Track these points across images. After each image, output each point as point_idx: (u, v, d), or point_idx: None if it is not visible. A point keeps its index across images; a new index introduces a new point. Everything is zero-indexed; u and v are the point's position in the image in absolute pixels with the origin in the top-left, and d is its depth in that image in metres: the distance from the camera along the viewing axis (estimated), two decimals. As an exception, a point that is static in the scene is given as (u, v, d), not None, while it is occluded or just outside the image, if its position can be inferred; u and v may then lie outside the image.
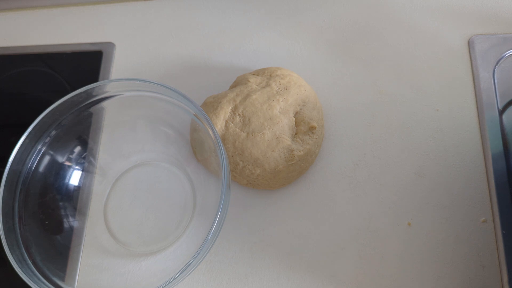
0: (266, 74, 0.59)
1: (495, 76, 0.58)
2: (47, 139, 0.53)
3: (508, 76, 0.59)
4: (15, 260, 0.45)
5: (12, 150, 0.67)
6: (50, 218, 0.53)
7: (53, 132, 0.53)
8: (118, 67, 0.67)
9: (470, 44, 0.61)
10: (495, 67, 0.59)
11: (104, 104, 0.55)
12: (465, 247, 0.51)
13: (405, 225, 0.53)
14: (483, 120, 0.56)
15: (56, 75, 0.69)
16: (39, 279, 0.46)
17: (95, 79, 0.66)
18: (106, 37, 0.70)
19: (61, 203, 0.55)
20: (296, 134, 0.56)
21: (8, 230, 0.47)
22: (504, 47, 0.60)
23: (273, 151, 0.54)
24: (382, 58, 0.62)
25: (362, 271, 0.52)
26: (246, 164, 0.54)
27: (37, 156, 0.52)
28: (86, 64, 0.68)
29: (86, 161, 0.58)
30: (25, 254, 0.47)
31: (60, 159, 0.55)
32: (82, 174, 0.58)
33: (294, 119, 0.57)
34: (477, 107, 0.57)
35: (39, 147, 0.52)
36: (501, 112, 0.57)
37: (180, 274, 0.45)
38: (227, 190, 0.47)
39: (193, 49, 0.67)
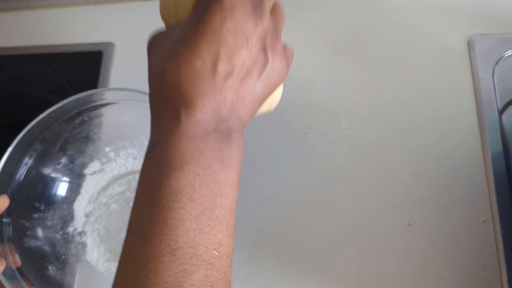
0: None
1: (495, 76, 0.58)
2: (33, 153, 0.52)
3: (508, 76, 0.59)
4: (7, 280, 0.44)
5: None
6: (40, 231, 0.53)
7: (39, 146, 0.52)
8: (118, 67, 0.67)
9: (470, 44, 0.61)
10: (494, 67, 0.59)
11: (99, 112, 0.54)
12: (465, 247, 0.51)
13: (405, 225, 0.53)
14: (483, 120, 0.56)
15: (56, 75, 0.69)
16: None
17: (95, 79, 0.66)
18: (106, 37, 0.70)
19: (48, 215, 0.54)
20: None
21: None
22: (504, 47, 0.60)
23: None
24: (382, 58, 0.62)
25: (362, 271, 0.52)
26: None
27: (25, 169, 0.51)
28: (86, 64, 0.68)
29: (74, 172, 0.57)
30: (16, 271, 0.47)
31: (47, 171, 0.55)
32: (70, 186, 0.57)
33: None
34: (476, 107, 0.57)
35: (25, 159, 0.51)
36: (501, 112, 0.57)
37: None
38: None
39: (193, 49, 0.67)
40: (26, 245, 0.51)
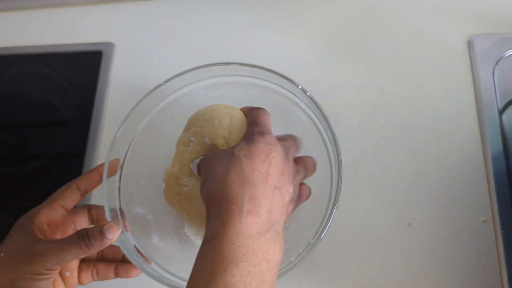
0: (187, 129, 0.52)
1: (495, 76, 0.58)
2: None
3: (508, 76, 0.59)
4: (122, 245, 0.44)
5: (11, 150, 0.67)
6: (144, 198, 0.53)
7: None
8: (118, 67, 0.67)
9: (470, 44, 0.61)
10: (495, 67, 0.59)
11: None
12: (465, 247, 0.51)
13: (405, 225, 0.53)
14: (483, 120, 0.56)
15: (56, 75, 0.69)
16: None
17: (95, 79, 0.66)
18: (106, 37, 0.70)
19: (151, 183, 0.53)
20: None
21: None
22: (504, 47, 0.60)
23: None
24: (382, 58, 0.62)
25: (362, 271, 0.52)
26: None
27: (136, 136, 0.52)
28: (86, 64, 0.68)
29: None
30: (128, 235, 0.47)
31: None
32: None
33: None
34: (477, 107, 0.57)
35: (139, 127, 0.52)
36: (501, 112, 0.57)
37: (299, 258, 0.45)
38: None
39: (193, 49, 0.67)
40: (133, 211, 0.51)
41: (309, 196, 0.45)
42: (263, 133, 0.40)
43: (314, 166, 0.46)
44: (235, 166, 0.37)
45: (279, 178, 0.38)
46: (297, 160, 0.44)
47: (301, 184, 0.44)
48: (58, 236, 0.44)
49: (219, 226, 0.35)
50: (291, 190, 0.40)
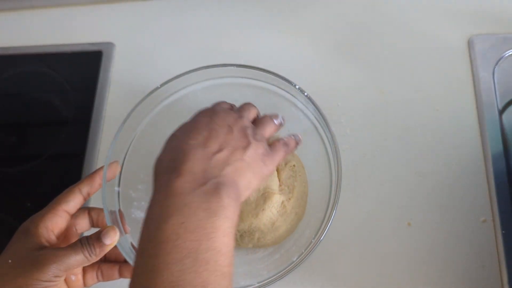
0: None
1: (495, 76, 0.59)
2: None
3: (508, 76, 0.59)
4: (122, 250, 0.44)
5: (11, 150, 0.67)
6: (144, 203, 0.53)
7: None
8: (118, 67, 0.67)
9: (470, 44, 0.61)
10: (495, 67, 0.59)
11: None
12: (465, 247, 0.51)
13: (405, 225, 0.53)
14: (483, 120, 0.56)
15: (56, 75, 0.69)
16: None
17: (95, 79, 0.66)
18: (106, 37, 0.70)
19: (151, 187, 0.54)
20: (280, 183, 0.53)
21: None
22: (504, 47, 0.60)
23: (263, 210, 0.51)
24: (382, 58, 0.62)
25: (362, 271, 0.52)
26: (243, 233, 0.51)
27: (135, 138, 0.52)
28: (86, 64, 0.68)
29: None
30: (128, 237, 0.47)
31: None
32: None
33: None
34: (477, 107, 0.57)
35: (138, 128, 0.52)
36: (501, 112, 0.57)
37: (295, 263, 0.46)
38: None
39: (193, 49, 0.67)
40: (133, 215, 0.51)
41: (289, 148, 0.45)
42: (207, 109, 0.44)
43: (269, 121, 0.45)
44: (170, 145, 0.41)
45: (224, 139, 0.40)
46: (254, 122, 0.46)
47: (277, 140, 0.45)
48: (62, 242, 0.44)
49: (154, 197, 0.37)
50: (248, 141, 0.41)
